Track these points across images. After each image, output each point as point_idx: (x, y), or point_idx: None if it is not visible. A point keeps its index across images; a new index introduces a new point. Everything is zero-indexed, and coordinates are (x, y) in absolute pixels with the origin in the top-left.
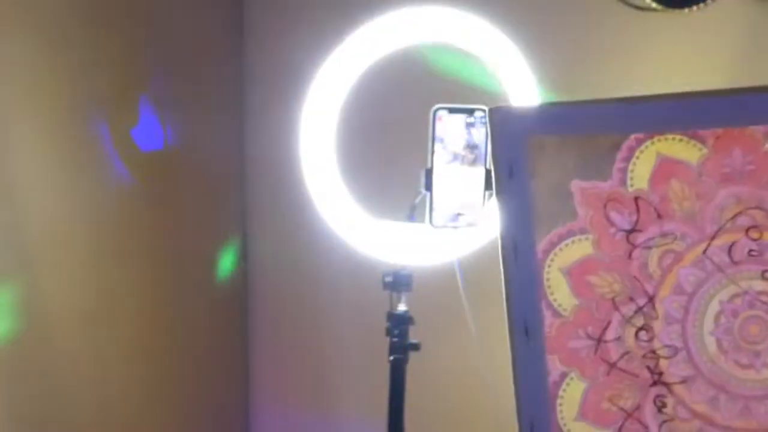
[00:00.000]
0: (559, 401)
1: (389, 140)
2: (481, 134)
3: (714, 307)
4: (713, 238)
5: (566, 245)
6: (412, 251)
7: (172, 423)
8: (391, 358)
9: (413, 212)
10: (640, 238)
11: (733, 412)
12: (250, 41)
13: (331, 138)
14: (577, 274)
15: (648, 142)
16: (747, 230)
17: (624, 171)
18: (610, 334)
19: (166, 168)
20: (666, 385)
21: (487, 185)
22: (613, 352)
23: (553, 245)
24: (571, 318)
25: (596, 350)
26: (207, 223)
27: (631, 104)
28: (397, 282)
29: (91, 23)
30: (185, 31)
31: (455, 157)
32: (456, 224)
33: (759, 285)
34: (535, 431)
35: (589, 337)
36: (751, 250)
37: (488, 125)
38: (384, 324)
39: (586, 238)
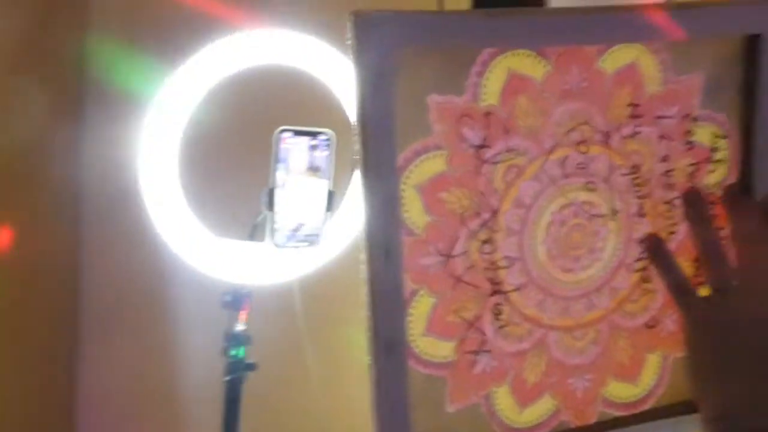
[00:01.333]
0: (408, 319)
1: (233, 160)
2: (323, 156)
3: (546, 217)
4: (550, 152)
5: (421, 161)
6: (252, 270)
7: None
8: (227, 378)
9: (255, 231)
10: (488, 154)
11: (556, 313)
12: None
13: (173, 157)
14: (430, 190)
15: (500, 57)
16: (577, 144)
17: (477, 85)
18: (457, 249)
19: None
20: (503, 293)
21: (329, 206)
22: (460, 267)
23: (408, 162)
24: (424, 235)
25: (445, 266)
26: (37, 239)
27: (490, 17)
28: (236, 301)
29: None
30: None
31: (297, 177)
32: (297, 244)
33: (583, 195)
34: (390, 351)
35: (439, 253)
36: (579, 163)
37: (352, 31)
38: (221, 343)
39: (441, 154)
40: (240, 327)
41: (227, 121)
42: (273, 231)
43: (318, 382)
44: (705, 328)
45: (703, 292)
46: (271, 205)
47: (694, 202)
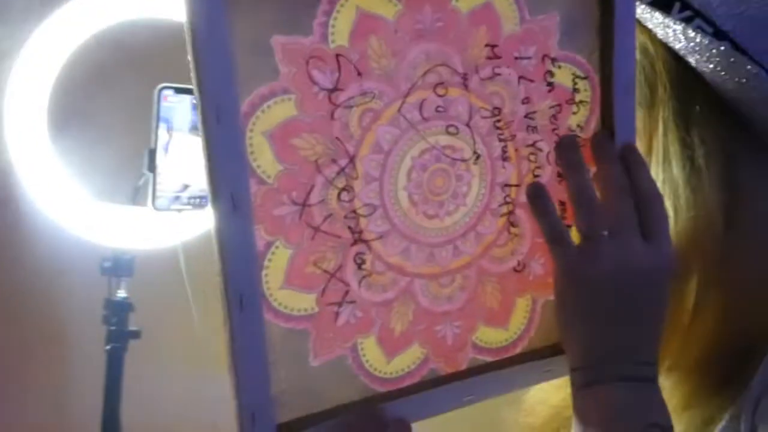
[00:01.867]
0: (264, 272)
1: (111, 119)
2: None
3: (407, 163)
4: (407, 95)
5: (269, 107)
6: (134, 235)
7: None
8: (108, 347)
9: (137, 194)
10: (341, 97)
11: (421, 260)
12: None
13: (41, 116)
14: (280, 137)
15: None
16: (435, 87)
17: (325, 26)
18: (314, 198)
19: None
20: (365, 242)
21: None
22: (317, 216)
23: (255, 107)
24: (276, 184)
25: (301, 215)
26: None
27: None
28: (117, 267)
29: None
30: None
31: (181, 137)
32: (182, 207)
33: (444, 139)
34: (244, 306)
35: (293, 202)
36: (438, 107)
37: None
38: (102, 312)
39: (289, 99)
40: (121, 294)
41: (104, 79)
42: (155, 194)
43: (205, 349)
44: (572, 277)
45: (575, 238)
46: (152, 166)
47: (568, 147)
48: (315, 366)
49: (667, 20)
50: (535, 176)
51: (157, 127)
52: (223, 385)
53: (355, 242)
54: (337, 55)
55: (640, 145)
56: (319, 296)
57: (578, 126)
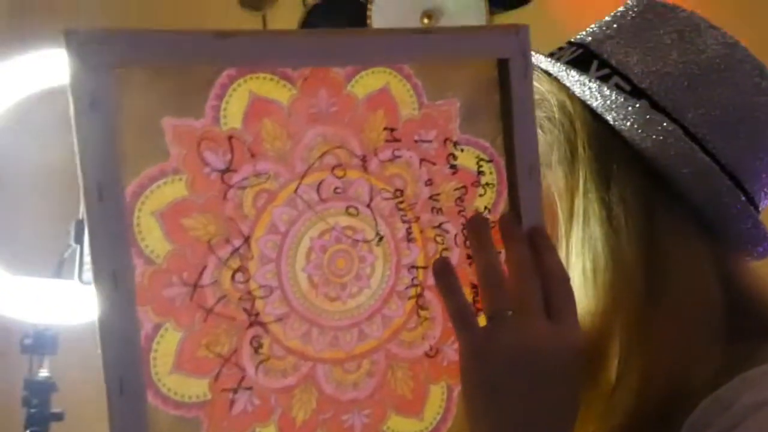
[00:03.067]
0: (152, 355)
1: (35, 190)
2: None
3: (305, 244)
4: (303, 176)
5: (158, 187)
6: (58, 310)
7: None
8: (29, 431)
9: (62, 267)
10: (234, 178)
11: (323, 344)
12: None
13: None
14: (170, 217)
15: (240, 80)
16: (333, 169)
17: (217, 109)
18: (206, 279)
19: None
20: (262, 325)
21: None
22: (210, 297)
23: (143, 187)
24: (165, 265)
25: (192, 297)
26: None
27: (224, 38)
28: (39, 344)
29: None
30: None
31: None
32: None
33: (344, 220)
34: (124, 390)
35: (184, 283)
36: (336, 188)
37: (66, 50)
38: (21, 393)
39: (180, 179)
40: (43, 373)
41: (27, 147)
42: (82, 266)
43: None
44: (476, 358)
45: (482, 321)
46: (80, 238)
47: (477, 227)
48: None
49: (583, 78)
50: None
51: None
52: None
53: (251, 324)
54: (230, 137)
55: (563, 205)
56: (212, 382)
57: (486, 208)
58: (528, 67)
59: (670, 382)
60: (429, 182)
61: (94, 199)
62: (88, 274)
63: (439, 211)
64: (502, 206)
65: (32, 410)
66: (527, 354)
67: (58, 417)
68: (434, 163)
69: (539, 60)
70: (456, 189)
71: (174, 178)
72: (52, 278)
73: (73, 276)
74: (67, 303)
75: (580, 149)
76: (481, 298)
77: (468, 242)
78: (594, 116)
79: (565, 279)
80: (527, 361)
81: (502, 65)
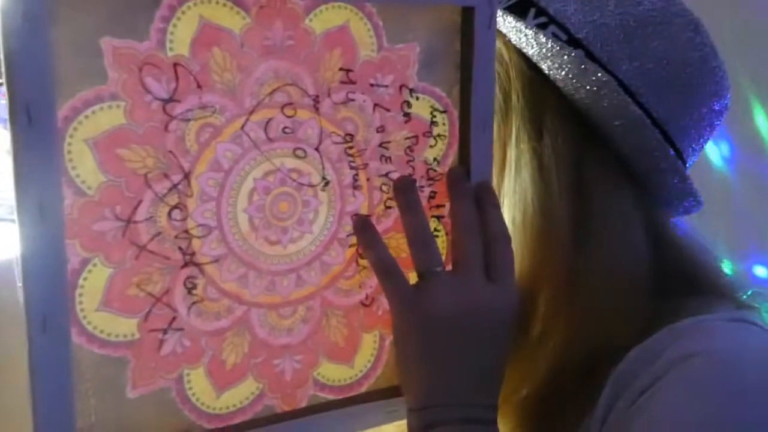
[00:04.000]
0: (79, 291)
1: None
2: None
3: (249, 184)
4: (251, 113)
5: (93, 112)
6: None
7: None
8: None
9: None
10: (177, 109)
11: (260, 288)
12: None
13: None
14: (105, 146)
15: (190, 3)
16: (283, 107)
17: (164, 32)
18: (140, 214)
19: None
20: (198, 265)
21: None
22: (144, 234)
23: (77, 111)
24: (97, 197)
25: (124, 232)
26: None
27: None
28: None
29: None
30: None
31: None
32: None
33: (291, 162)
34: (48, 328)
35: (117, 218)
36: (285, 127)
37: None
38: None
39: (117, 106)
40: None
41: None
42: None
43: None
44: (408, 315)
45: (412, 278)
46: None
47: (404, 189)
48: (132, 398)
49: (520, 25)
50: (387, 207)
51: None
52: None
53: (186, 264)
54: (175, 64)
55: (496, 155)
56: (141, 321)
57: (435, 159)
58: (493, 17)
59: (596, 335)
60: (381, 129)
61: (22, 121)
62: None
63: (388, 159)
64: (452, 159)
65: None
66: (462, 312)
67: None
68: (388, 110)
69: None
70: (407, 138)
71: (111, 104)
72: None
73: None
74: None
75: (514, 98)
76: (411, 256)
77: (395, 201)
78: (529, 65)
79: (507, 238)
80: (461, 319)
81: (467, 13)
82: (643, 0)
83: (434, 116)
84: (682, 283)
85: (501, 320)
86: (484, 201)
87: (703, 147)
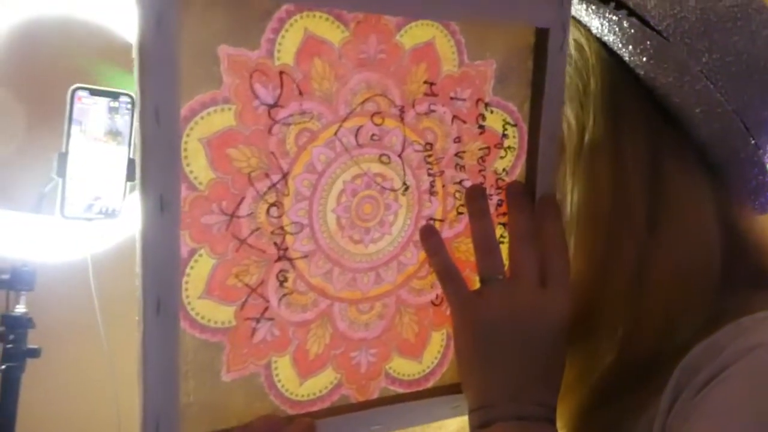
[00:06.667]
0: (185, 279)
1: (20, 120)
2: (125, 121)
3: (338, 186)
4: (345, 120)
5: (208, 114)
6: (37, 246)
7: None
8: (3, 366)
9: (42, 202)
10: (281, 114)
11: (342, 284)
12: None
13: None
14: (216, 145)
15: (297, 16)
16: (372, 115)
17: (272, 42)
18: (243, 210)
19: None
20: (290, 260)
21: (129, 175)
22: (245, 228)
23: (194, 113)
24: (207, 192)
25: (228, 226)
26: None
27: None
28: (16, 280)
29: None
30: None
31: (95, 142)
32: (90, 216)
33: (376, 167)
34: (161, 311)
35: (222, 212)
36: (373, 134)
37: None
38: None
39: (229, 108)
40: (20, 309)
41: (12, 76)
42: (64, 201)
43: (111, 370)
44: (467, 319)
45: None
46: (62, 171)
47: (475, 196)
48: (226, 381)
49: (602, 11)
50: (459, 213)
51: (69, 129)
52: (126, 409)
53: (279, 258)
54: (281, 72)
55: (573, 140)
56: (238, 310)
57: (504, 170)
58: (565, 40)
59: (663, 330)
60: (457, 139)
61: (151, 121)
62: (70, 208)
63: (462, 168)
64: (519, 170)
65: (8, 346)
66: (513, 317)
67: (35, 353)
68: (465, 122)
69: None
70: (480, 149)
71: (224, 107)
72: (31, 213)
73: (54, 211)
74: (46, 239)
75: (593, 84)
76: (476, 262)
77: (467, 209)
78: (609, 52)
79: (564, 249)
80: (514, 323)
81: (541, 34)
82: None
83: (506, 129)
84: (752, 277)
85: (552, 324)
86: (545, 213)
87: None
